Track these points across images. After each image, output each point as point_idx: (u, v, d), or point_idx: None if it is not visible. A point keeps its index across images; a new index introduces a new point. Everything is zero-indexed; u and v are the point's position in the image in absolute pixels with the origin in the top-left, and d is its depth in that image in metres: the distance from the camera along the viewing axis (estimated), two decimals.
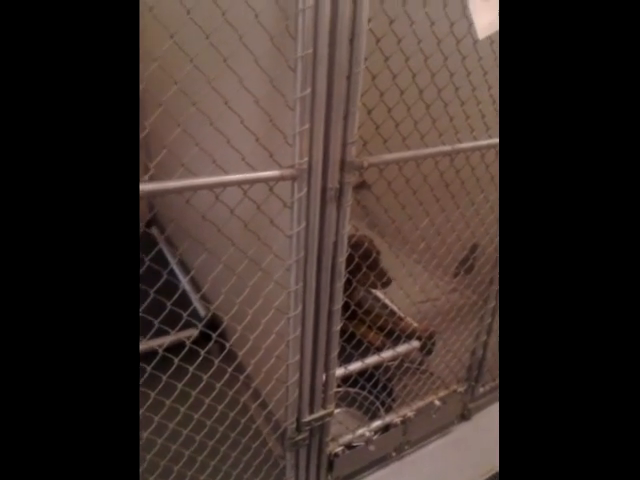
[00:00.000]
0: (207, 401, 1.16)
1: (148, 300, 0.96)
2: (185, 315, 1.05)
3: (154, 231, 2.76)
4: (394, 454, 1.63)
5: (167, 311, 1.03)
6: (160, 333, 1.15)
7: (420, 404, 1.64)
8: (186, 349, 1.08)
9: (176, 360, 1.05)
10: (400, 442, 1.63)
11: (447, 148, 1.27)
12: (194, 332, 1.77)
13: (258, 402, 1.36)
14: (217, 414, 1.20)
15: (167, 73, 0.87)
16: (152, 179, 0.84)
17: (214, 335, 1.15)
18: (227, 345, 1.17)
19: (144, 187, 0.82)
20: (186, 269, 2.35)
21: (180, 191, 0.87)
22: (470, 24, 1.17)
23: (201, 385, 1.13)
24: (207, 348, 1.15)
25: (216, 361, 1.15)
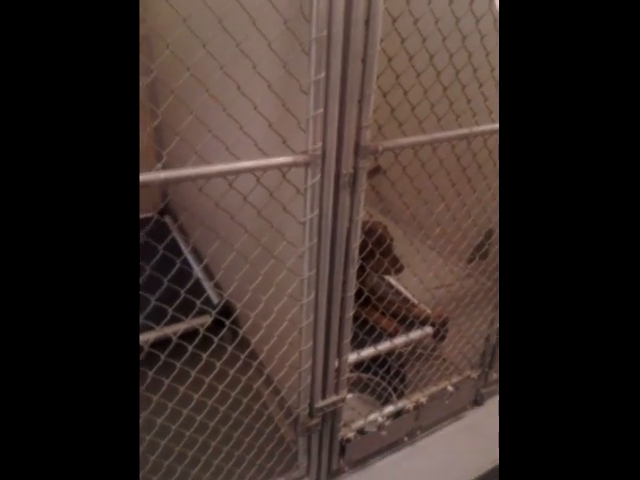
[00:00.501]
0: (220, 387, 1.16)
1: (162, 288, 0.96)
2: (199, 303, 1.05)
3: (167, 219, 2.77)
4: (406, 439, 1.63)
5: (180, 298, 1.03)
6: (174, 320, 1.15)
7: (433, 390, 1.63)
8: (200, 336, 1.08)
9: (190, 347, 1.05)
10: (412, 427, 1.63)
11: (464, 131, 1.24)
12: (207, 319, 1.77)
13: (271, 388, 1.37)
14: (230, 400, 1.21)
15: (179, 59, 0.85)
16: (165, 167, 0.83)
17: (227, 322, 1.15)
18: (240, 332, 1.17)
19: (157, 175, 0.81)
20: (199, 257, 2.35)
21: (193, 179, 0.86)
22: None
23: (215, 372, 1.13)
24: (220, 335, 1.15)
25: (229, 348, 1.15)
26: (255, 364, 1.23)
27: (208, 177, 0.88)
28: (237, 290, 1.10)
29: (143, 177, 0.79)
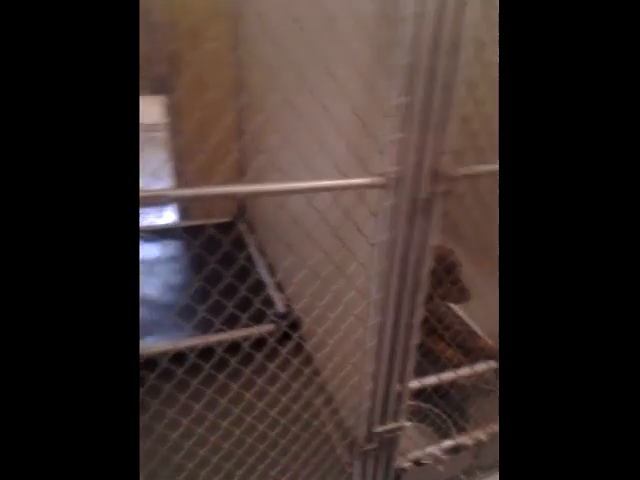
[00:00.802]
0: (272, 391, 1.18)
1: (233, 294, 1.00)
2: (270, 314, 1.08)
3: (241, 226, 2.88)
4: (463, 477, 1.56)
5: (244, 303, 1.06)
6: (235, 320, 1.19)
7: (495, 428, 1.56)
8: (266, 347, 1.11)
9: (259, 357, 1.09)
10: (471, 466, 1.56)
11: None
12: (272, 328, 1.82)
13: (331, 407, 1.37)
14: (291, 414, 1.23)
15: (269, 80, 0.90)
16: (245, 180, 0.87)
17: (294, 335, 1.18)
18: (306, 346, 1.19)
19: (244, 188, 0.85)
20: (267, 263, 2.42)
21: (276, 194, 0.89)
22: None
23: (279, 384, 1.16)
24: (287, 348, 1.17)
25: (295, 361, 1.17)
26: (318, 381, 1.24)
27: (289, 193, 0.91)
28: (305, 304, 1.12)
29: (233, 189, 0.84)
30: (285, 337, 1.25)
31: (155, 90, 2.65)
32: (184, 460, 1.19)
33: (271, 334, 1.78)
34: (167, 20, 2.38)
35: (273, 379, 1.15)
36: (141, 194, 0.80)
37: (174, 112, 2.65)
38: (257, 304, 1.08)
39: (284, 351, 1.14)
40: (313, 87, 0.92)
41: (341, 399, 1.27)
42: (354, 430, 1.27)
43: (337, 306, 1.16)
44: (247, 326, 1.18)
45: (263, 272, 2.36)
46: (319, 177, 0.95)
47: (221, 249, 1.04)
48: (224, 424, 1.15)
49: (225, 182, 0.87)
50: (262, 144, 0.94)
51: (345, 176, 0.97)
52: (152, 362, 1.10)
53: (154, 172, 0.85)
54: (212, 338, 1.40)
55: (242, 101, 0.93)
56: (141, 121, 0.83)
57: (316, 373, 1.25)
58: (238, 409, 1.13)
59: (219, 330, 1.14)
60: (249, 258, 2.50)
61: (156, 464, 1.19)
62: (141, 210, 0.83)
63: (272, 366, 1.11)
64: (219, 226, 2.80)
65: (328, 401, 1.40)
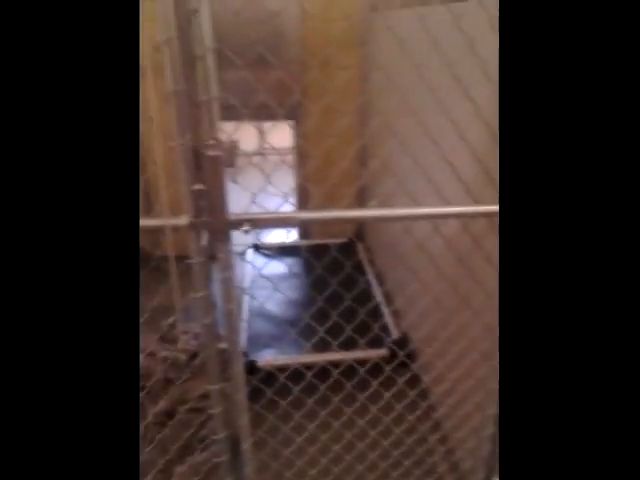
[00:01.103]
0: (386, 420, 1.14)
1: (352, 317, 1.00)
2: (387, 341, 1.05)
3: (359, 247, 2.90)
4: None
5: (361, 326, 1.05)
6: (352, 342, 1.18)
7: None
8: (381, 374, 1.08)
9: (374, 383, 1.06)
10: None
11: None
12: (386, 353, 1.79)
13: (446, 447, 1.28)
14: (392, 437, 1.17)
15: (399, 105, 0.90)
16: (370, 204, 0.87)
17: (412, 366, 1.13)
18: (423, 378, 1.14)
19: (370, 213, 0.85)
20: (384, 286, 2.40)
21: (402, 219, 0.88)
22: None
23: (382, 403, 1.12)
24: (404, 378, 1.13)
25: (411, 393, 1.12)
26: (434, 416, 1.18)
27: (417, 218, 0.89)
28: (425, 334, 1.08)
29: (360, 213, 0.85)
30: (401, 365, 1.21)
31: (288, 116, 2.82)
32: (294, 477, 1.20)
33: (384, 359, 1.74)
34: (302, 51, 2.54)
35: (387, 408, 1.11)
36: (272, 216, 0.85)
37: (304, 137, 2.79)
38: (375, 329, 1.06)
39: (400, 380, 1.10)
40: (446, 110, 0.89)
41: (458, 439, 1.19)
42: (470, 475, 1.18)
43: (460, 340, 1.09)
44: (362, 349, 1.16)
45: (379, 294, 2.34)
46: (447, 203, 0.91)
47: (341, 270, 1.04)
48: (335, 448, 1.14)
49: (348, 205, 0.89)
50: (389, 169, 0.94)
51: (477, 202, 0.92)
52: (271, 376, 1.14)
53: (284, 195, 0.89)
54: (328, 357, 1.41)
55: (369, 128, 0.94)
56: (274, 145, 0.89)
57: (432, 408, 1.18)
58: (350, 434, 1.11)
59: (334, 351, 1.15)
60: (366, 280, 2.50)
61: (269, 478, 1.22)
62: (266, 230, 0.87)
63: (387, 395, 1.08)
64: (338, 246, 2.85)
65: (443, 440, 1.32)
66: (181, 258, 0.83)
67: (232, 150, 4.97)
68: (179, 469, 1.45)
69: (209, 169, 0.78)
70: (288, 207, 0.92)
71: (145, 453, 1.51)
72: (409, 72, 0.88)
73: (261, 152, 5.58)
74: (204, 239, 0.82)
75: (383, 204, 0.89)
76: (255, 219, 0.83)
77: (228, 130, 0.88)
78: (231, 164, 5.07)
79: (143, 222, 0.83)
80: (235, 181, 0.91)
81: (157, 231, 0.83)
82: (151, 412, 1.65)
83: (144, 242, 2.77)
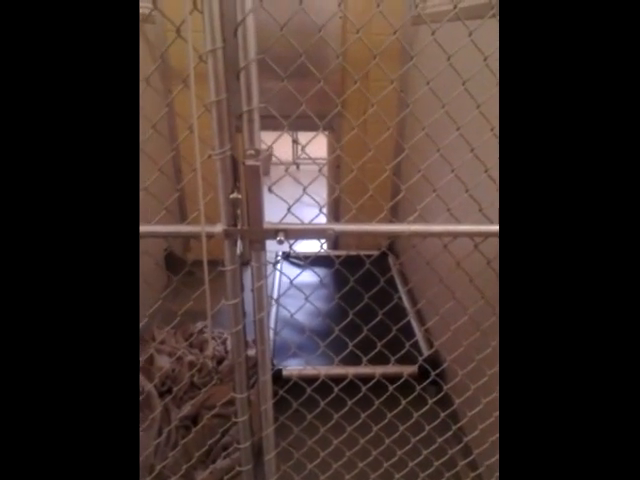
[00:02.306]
0: (413, 440, 1.11)
1: (381, 332, 0.98)
2: (420, 359, 1.02)
3: (390, 259, 2.88)
4: None
5: (390, 341, 1.03)
6: (381, 357, 1.16)
7: None
8: (411, 392, 1.06)
9: (403, 401, 1.04)
10: None
11: None
12: (415, 370, 1.75)
13: (476, 473, 1.24)
14: (421, 458, 1.14)
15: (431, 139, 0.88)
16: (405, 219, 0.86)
17: (445, 387, 1.10)
18: (454, 399, 1.10)
19: (408, 228, 0.84)
20: (415, 299, 2.38)
21: (441, 235, 0.86)
22: None
23: (411, 421, 1.09)
24: (434, 398, 1.10)
25: (442, 414, 1.09)
26: (464, 440, 1.14)
27: (454, 235, 0.87)
28: (459, 355, 1.05)
29: (395, 227, 0.84)
30: (430, 384, 1.18)
31: (325, 127, 2.83)
32: None
33: (414, 377, 1.71)
34: (343, 64, 2.55)
35: (416, 427, 1.08)
36: (307, 227, 0.84)
37: (341, 149, 2.79)
38: (407, 346, 1.03)
39: (430, 401, 1.07)
40: (491, 126, 0.87)
41: (488, 467, 1.14)
42: None
43: (495, 363, 1.05)
44: (392, 365, 1.14)
45: (410, 310, 2.31)
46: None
47: (372, 284, 1.03)
48: (360, 464, 1.12)
49: (382, 218, 0.87)
50: (427, 184, 0.92)
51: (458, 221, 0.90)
52: (297, 387, 1.13)
53: (319, 206, 0.89)
54: (356, 371, 1.39)
55: (408, 141, 0.93)
56: (310, 155, 0.89)
57: (462, 431, 1.14)
58: (376, 451, 1.09)
59: (364, 365, 1.13)
60: (398, 295, 2.47)
61: None
62: (299, 240, 0.87)
63: (416, 414, 1.05)
64: (370, 259, 2.83)
65: (473, 465, 1.27)
66: (212, 264, 0.83)
67: (267, 158, 5.04)
68: (200, 475, 1.46)
69: (247, 178, 0.78)
70: (322, 218, 0.91)
71: (168, 457, 1.52)
72: (453, 87, 0.87)
73: (296, 162, 5.63)
74: (238, 247, 0.82)
75: (419, 219, 0.87)
76: (290, 229, 0.83)
77: (266, 140, 0.89)
78: (266, 172, 5.14)
79: (179, 228, 0.85)
80: (271, 191, 0.93)
81: (189, 237, 0.84)
82: (175, 416, 1.67)
83: (176, 248, 2.83)
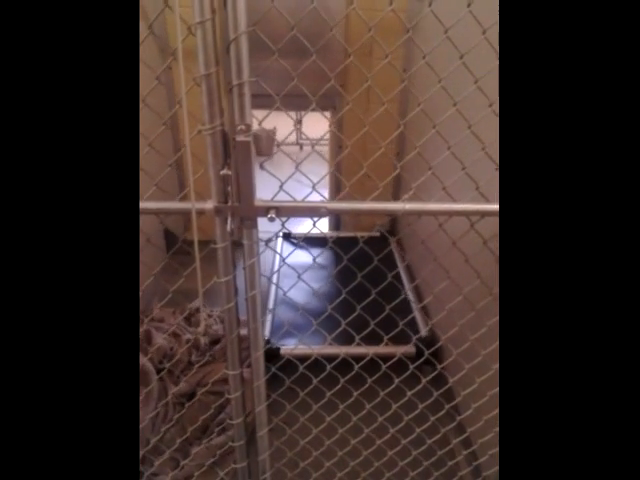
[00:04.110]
0: (406, 419, 1.12)
1: (378, 312, 0.97)
2: (414, 338, 1.02)
3: (390, 240, 2.87)
4: None
5: (387, 321, 1.03)
6: (376, 341, 1.17)
7: None
8: (405, 371, 1.06)
9: (397, 380, 1.04)
10: None
11: None
12: (412, 350, 1.76)
13: (469, 450, 1.25)
14: (413, 436, 1.15)
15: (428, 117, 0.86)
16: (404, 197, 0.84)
17: (439, 366, 1.10)
18: (449, 379, 1.11)
19: (403, 206, 0.83)
20: (414, 281, 2.38)
21: (437, 214, 0.85)
22: None
23: (404, 400, 1.10)
24: (428, 377, 1.10)
25: (435, 393, 1.09)
26: (458, 419, 1.14)
27: (451, 214, 0.86)
28: (454, 334, 1.04)
29: (391, 206, 0.82)
30: (425, 363, 1.18)
31: (323, 106, 2.80)
32: (310, 467, 1.20)
33: (409, 357, 1.72)
34: (342, 40, 2.50)
35: (409, 406, 1.09)
36: (299, 204, 0.83)
37: (340, 127, 2.76)
38: (401, 326, 1.03)
39: (424, 380, 1.07)
40: (491, 102, 0.85)
41: (482, 444, 1.15)
42: (486, 469, 1.14)
43: (492, 342, 1.05)
44: (386, 344, 1.14)
45: (408, 290, 2.31)
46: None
47: (370, 264, 1.02)
48: (353, 441, 1.13)
49: (380, 198, 0.86)
50: (425, 162, 0.90)
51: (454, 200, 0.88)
52: (290, 364, 1.13)
53: (314, 184, 0.88)
54: (350, 350, 1.40)
55: (407, 119, 0.91)
56: (309, 135, 0.87)
57: (456, 410, 1.15)
58: (369, 429, 1.10)
59: (358, 344, 1.14)
60: (397, 275, 2.48)
61: (283, 466, 1.22)
62: (297, 218, 0.86)
63: (410, 393, 1.06)
64: (369, 240, 2.82)
65: (466, 443, 1.28)
66: (209, 243, 0.83)
67: (270, 139, 4.99)
68: (195, 450, 1.48)
69: (238, 154, 0.77)
70: (318, 197, 0.90)
71: (163, 432, 1.55)
72: (454, 63, 0.85)
73: (298, 142, 5.58)
74: (229, 224, 0.82)
75: (416, 198, 0.86)
76: (281, 207, 0.81)
77: (263, 118, 0.87)
78: (268, 152, 5.10)
79: (169, 205, 0.84)
80: (263, 167, 0.91)
81: (187, 215, 0.83)
82: (171, 392, 1.68)
83: (172, 225, 2.82)
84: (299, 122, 5.38)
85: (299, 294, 2.26)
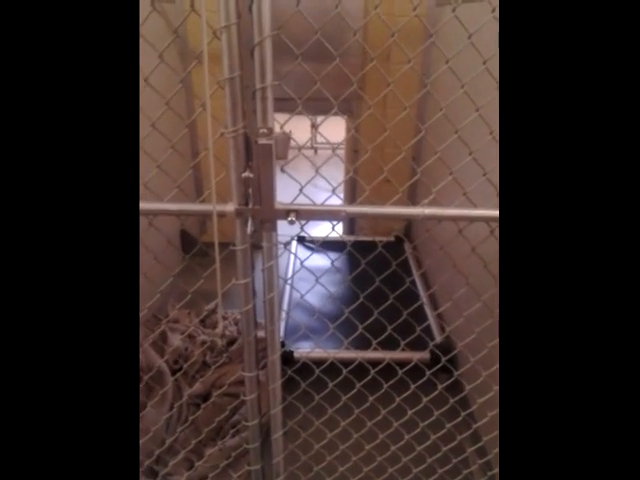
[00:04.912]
0: (421, 425, 1.11)
1: (393, 316, 0.97)
2: (430, 344, 1.02)
3: (406, 245, 2.86)
4: None
5: (402, 326, 1.03)
6: (393, 344, 1.16)
7: None
8: (421, 378, 1.05)
9: (412, 386, 1.03)
10: None
11: None
12: (427, 356, 1.75)
13: (484, 460, 1.23)
14: (429, 442, 1.14)
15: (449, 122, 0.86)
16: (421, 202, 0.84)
17: (455, 373, 1.09)
18: (465, 386, 1.09)
19: (422, 211, 0.82)
20: (428, 285, 2.37)
21: (456, 219, 0.84)
22: None
23: (419, 406, 1.09)
24: (445, 384, 1.09)
25: (451, 400, 1.08)
26: (474, 427, 1.13)
27: (470, 220, 0.85)
28: (472, 341, 1.03)
29: (409, 210, 0.82)
30: (441, 370, 1.17)
31: (341, 111, 2.81)
32: (323, 471, 1.19)
33: (425, 363, 1.70)
34: (362, 44, 2.51)
35: (424, 412, 1.08)
36: (318, 208, 0.83)
37: (358, 132, 2.76)
38: (418, 331, 1.03)
39: (440, 386, 1.06)
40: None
41: (497, 454, 1.13)
42: None
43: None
44: (402, 350, 1.14)
45: (424, 295, 2.29)
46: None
47: (386, 268, 1.02)
48: (367, 447, 1.12)
49: (397, 202, 0.86)
50: (444, 167, 0.90)
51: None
52: (306, 368, 1.13)
53: (333, 188, 0.88)
54: (366, 355, 1.39)
55: (426, 124, 0.91)
56: (331, 140, 0.88)
57: (472, 417, 1.14)
58: (384, 435, 1.09)
59: (374, 349, 1.13)
60: (412, 280, 2.46)
61: (297, 469, 1.22)
62: (313, 222, 0.87)
63: (426, 399, 1.05)
64: (384, 244, 2.81)
65: (481, 452, 1.26)
66: (227, 246, 0.84)
67: (285, 142, 5.01)
68: (209, 451, 1.48)
69: (260, 157, 0.77)
70: (336, 201, 0.90)
71: (178, 432, 1.56)
72: (476, 69, 0.84)
73: (314, 146, 5.59)
74: (249, 227, 0.82)
75: (435, 203, 0.86)
76: (301, 210, 0.82)
77: (282, 122, 0.88)
78: (283, 156, 5.12)
79: (190, 207, 0.85)
80: (284, 171, 0.92)
81: (205, 217, 0.84)
82: (186, 393, 1.69)
83: (191, 228, 2.85)
84: (315, 126, 5.39)
85: (313, 297, 2.26)
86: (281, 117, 0.90)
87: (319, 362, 1.11)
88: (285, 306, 2.23)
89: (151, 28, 0.79)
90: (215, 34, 0.73)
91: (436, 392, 1.07)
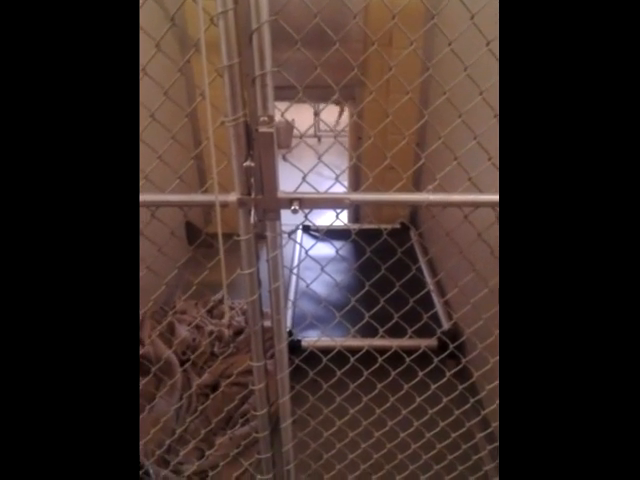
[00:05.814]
0: (430, 412, 1.11)
1: (400, 304, 0.97)
2: (437, 331, 1.01)
3: (411, 232, 2.85)
4: None
5: (409, 313, 1.03)
6: (400, 332, 1.16)
7: None
8: (429, 365, 1.05)
9: (421, 374, 1.03)
10: None
11: None
12: (435, 343, 1.75)
13: (493, 445, 1.24)
14: (437, 429, 1.14)
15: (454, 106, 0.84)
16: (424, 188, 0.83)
17: (463, 360, 1.09)
18: (473, 372, 1.09)
19: (427, 197, 0.81)
20: (435, 272, 2.36)
21: (462, 205, 0.83)
22: None
23: (428, 393, 1.09)
24: (452, 371, 1.09)
25: (459, 387, 1.08)
26: (482, 413, 1.13)
27: (475, 205, 0.84)
28: (479, 328, 1.03)
29: (414, 197, 0.81)
30: (449, 357, 1.17)
31: (343, 97, 2.78)
32: (333, 459, 1.20)
33: (433, 350, 1.70)
34: (363, 29, 2.47)
35: (433, 399, 1.08)
36: (322, 196, 0.83)
37: (360, 118, 2.73)
38: (425, 318, 1.02)
39: (448, 373, 1.06)
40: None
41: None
42: None
43: None
44: (410, 337, 1.13)
45: (430, 282, 2.28)
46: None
47: (391, 256, 1.01)
48: (376, 434, 1.12)
49: (402, 189, 0.85)
50: (449, 152, 0.89)
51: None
52: (314, 357, 1.13)
53: (336, 176, 0.87)
54: (373, 342, 1.39)
55: (430, 108, 0.89)
56: (329, 125, 0.87)
57: (481, 404, 1.14)
58: (393, 422, 1.09)
59: (381, 337, 1.13)
60: (418, 267, 2.46)
61: (307, 457, 1.22)
62: (317, 210, 0.86)
63: (434, 386, 1.05)
64: (389, 231, 2.80)
65: (491, 438, 1.27)
66: (232, 235, 0.83)
67: (288, 130, 4.98)
68: (219, 440, 1.50)
69: (261, 146, 0.76)
70: (340, 189, 0.89)
71: (188, 422, 1.57)
72: (477, 50, 0.82)
73: (317, 134, 5.55)
74: (253, 217, 0.81)
75: (440, 189, 0.84)
76: (304, 198, 0.81)
77: (283, 109, 0.86)
78: (287, 145, 5.09)
79: (193, 197, 0.84)
80: (286, 159, 0.91)
81: (209, 208, 0.83)
82: (195, 383, 1.71)
83: (195, 219, 2.84)
84: (317, 114, 5.35)
85: (319, 286, 2.26)
86: (283, 106, 0.89)
87: (326, 350, 1.11)
88: (291, 295, 2.23)
89: (149, 17, 0.78)
90: (212, 21, 0.72)
91: (444, 379, 1.07)
